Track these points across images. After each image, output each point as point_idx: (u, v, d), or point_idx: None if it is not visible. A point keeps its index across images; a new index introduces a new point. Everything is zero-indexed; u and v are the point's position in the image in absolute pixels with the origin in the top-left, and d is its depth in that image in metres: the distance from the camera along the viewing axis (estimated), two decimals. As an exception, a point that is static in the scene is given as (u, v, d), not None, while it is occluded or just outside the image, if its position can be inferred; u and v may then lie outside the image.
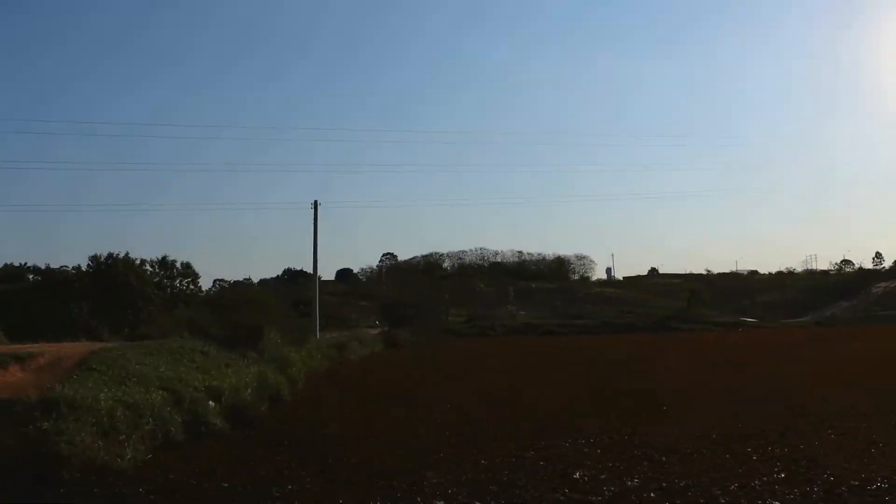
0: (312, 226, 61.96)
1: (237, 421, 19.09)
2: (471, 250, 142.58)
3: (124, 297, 50.16)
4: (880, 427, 16.29)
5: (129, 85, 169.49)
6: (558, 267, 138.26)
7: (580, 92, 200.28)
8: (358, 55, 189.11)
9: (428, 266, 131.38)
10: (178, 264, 60.58)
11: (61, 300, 46.55)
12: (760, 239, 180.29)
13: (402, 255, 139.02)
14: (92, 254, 54.07)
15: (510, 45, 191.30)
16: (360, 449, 15.51)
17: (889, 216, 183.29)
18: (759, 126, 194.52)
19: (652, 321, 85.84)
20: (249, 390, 21.67)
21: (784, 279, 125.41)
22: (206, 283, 76.69)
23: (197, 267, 62.49)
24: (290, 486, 12.45)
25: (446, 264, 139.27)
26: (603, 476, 12.63)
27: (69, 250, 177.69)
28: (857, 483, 11.70)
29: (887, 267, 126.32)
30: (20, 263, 61.80)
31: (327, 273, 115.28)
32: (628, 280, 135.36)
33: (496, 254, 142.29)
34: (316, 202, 61.95)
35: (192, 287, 62.00)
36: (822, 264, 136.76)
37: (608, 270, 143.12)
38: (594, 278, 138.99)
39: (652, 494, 11.49)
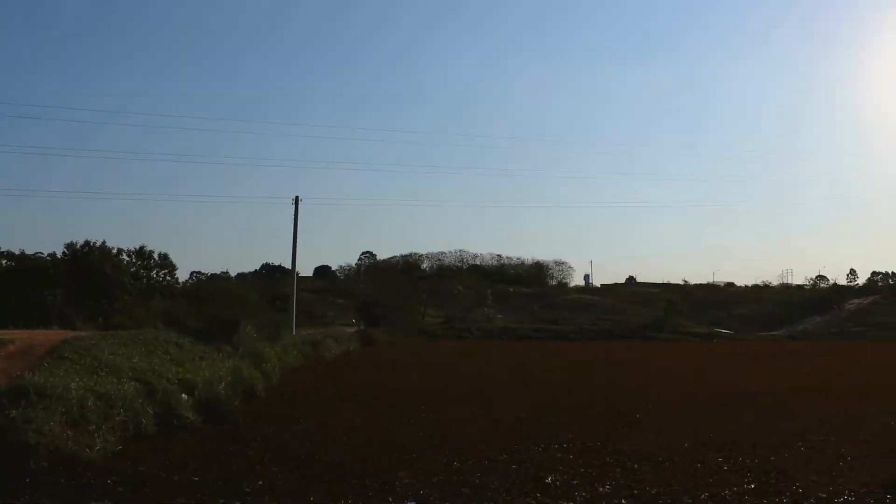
0: (293, 221, 61.75)
1: (210, 415, 18.96)
2: (450, 252, 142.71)
3: (99, 285, 49.61)
4: (850, 441, 16.43)
5: (105, 69, 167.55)
6: (537, 272, 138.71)
7: (560, 98, 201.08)
8: (337, 50, 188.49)
9: (407, 266, 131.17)
10: (155, 255, 60.02)
11: (34, 286, 45.92)
12: (738, 252, 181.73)
13: (382, 255, 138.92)
14: (68, 241, 53.49)
15: (491, 46, 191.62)
16: (333, 447, 15.45)
17: (863, 234, 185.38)
18: (738, 138, 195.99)
19: (628, 329, 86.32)
20: (223, 384, 21.54)
21: (760, 292, 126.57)
22: (183, 275, 75.96)
23: (174, 258, 61.93)
24: (260, 482, 12.37)
25: (425, 265, 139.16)
26: (575, 481, 12.64)
27: (44, 237, 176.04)
28: (824, 496, 11.80)
29: (860, 284, 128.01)
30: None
31: (305, 269, 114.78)
32: (606, 288, 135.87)
33: (475, 256, 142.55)
34: (297, 198, 61.74)
35: (168, 278, 61.42)
36: (798, 279, 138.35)
37: (586, 277, 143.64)
38: (572, 284, 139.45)
39: (623, 501, 11.52)
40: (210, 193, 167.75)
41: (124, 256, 56.91)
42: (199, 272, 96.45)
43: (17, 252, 51.51)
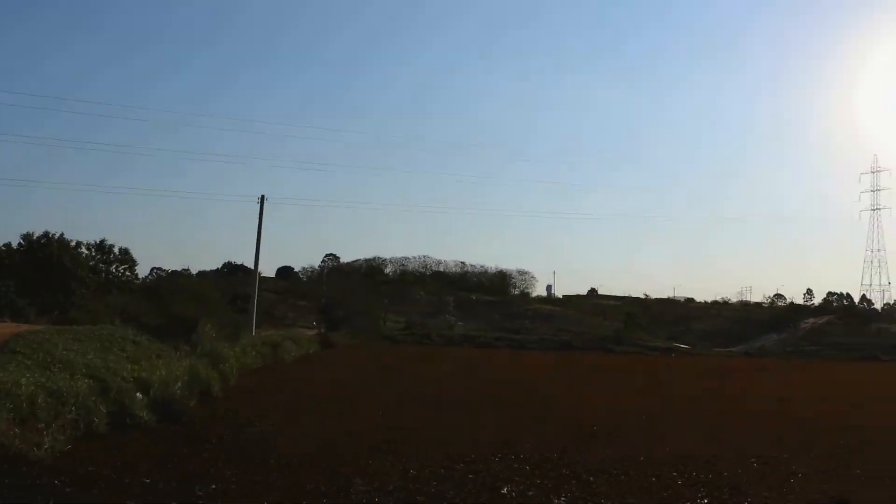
0: (257, 220, 61.25)
1: (165, 414, 18.68)
2: (414, 258, 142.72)
3: (56, 278, 48.76)
4: (802, 459, 16.63)
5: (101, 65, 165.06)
6: (500, 281, 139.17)
7: (526, 109, 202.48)
8: (325, 53, 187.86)
9: (370, 270, 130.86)
10: (116, 249, 59.20)
11: (-15, 277, 45.00)
12: (699, 268, 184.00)
13: (346, 258, 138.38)
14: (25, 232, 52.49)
15: (459, 50, 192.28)
16: (289, 450, 15.28)
17: (819, 254, 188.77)
18: (702, 155, 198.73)
19: (588, 341, 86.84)
20: (179, 384, 21.24)
21: (719, 309, 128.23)
22: (143, 271, 74.95)
23: (136, 254, 61.15)
24: (213, 486, 12.18)
25: (388, 269, 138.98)
26: (531, 493, 12.63)
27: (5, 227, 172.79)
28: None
29: (817, 303, 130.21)
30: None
31: (268, 270, 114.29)
32: (567, 299, 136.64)
33: (439, 263, 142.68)
34: (262, 197, 61.33)
35: (128, 274, 60.65)
36: (756, 297, 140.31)
37: (548, 288, 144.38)
38: (534, 295, 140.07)
39: (578, 514, 11.54)
40: (173, 188, 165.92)
41: (84, 250, 56.08)
42: (159, 268, 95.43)
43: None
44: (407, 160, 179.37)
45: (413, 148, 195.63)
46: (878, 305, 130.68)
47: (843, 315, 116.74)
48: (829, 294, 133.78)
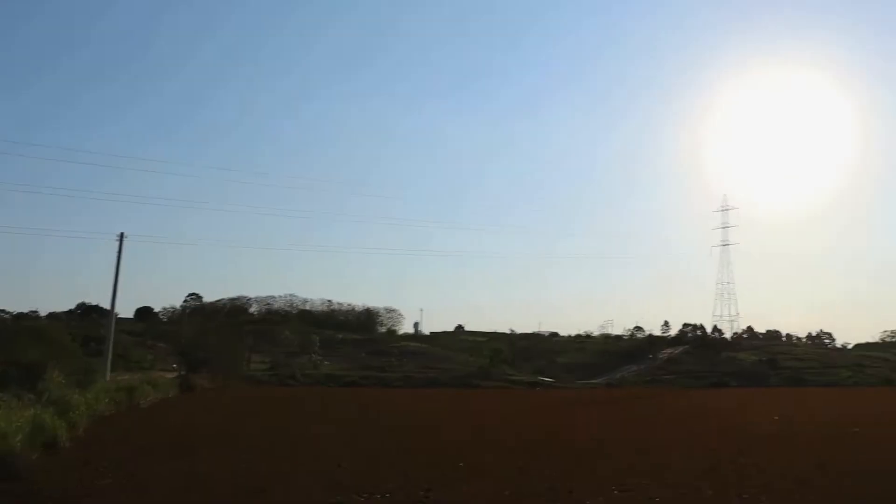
0: (115, 259, 58.47)
1: (2, 471, 17.30)
2: (280, 296, 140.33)
3: None
4: (659, 483, 17.13)
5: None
6: (367, 318, 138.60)
7: (390, 146, 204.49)
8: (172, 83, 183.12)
9: (234, 310, 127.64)
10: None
11: None
12: (563, 302, 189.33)
13: (209, 297, 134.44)
14: None
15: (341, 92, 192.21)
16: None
17: (676, 288, 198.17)
18: (563, 192, 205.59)
19: (454, 377, 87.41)
20: (20, 436, 19.77)
21: (582, 342, 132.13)
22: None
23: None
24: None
25: (253, 309, 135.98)
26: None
27: None
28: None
29: (673, 334, 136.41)
30: None
31: (126, 311, 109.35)
32: (435, 335, 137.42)
33: (306, 302, 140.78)
34: (122, 234, 58.69)
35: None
36: (618, 329, 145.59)
37: (416, 325, 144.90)
38: (402, 332, 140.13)
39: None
40: (25, 226, 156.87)
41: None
42: (3, 310, 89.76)
43: None
44: (276, 198, 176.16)
45: (279, 186, 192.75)
46: (727, 335, 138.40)
47: (696, 345, 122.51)
48: (685, 325, 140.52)
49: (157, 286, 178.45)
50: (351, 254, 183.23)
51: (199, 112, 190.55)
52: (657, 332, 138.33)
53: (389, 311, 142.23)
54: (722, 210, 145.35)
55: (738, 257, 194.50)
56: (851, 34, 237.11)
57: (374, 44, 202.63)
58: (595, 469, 19.92)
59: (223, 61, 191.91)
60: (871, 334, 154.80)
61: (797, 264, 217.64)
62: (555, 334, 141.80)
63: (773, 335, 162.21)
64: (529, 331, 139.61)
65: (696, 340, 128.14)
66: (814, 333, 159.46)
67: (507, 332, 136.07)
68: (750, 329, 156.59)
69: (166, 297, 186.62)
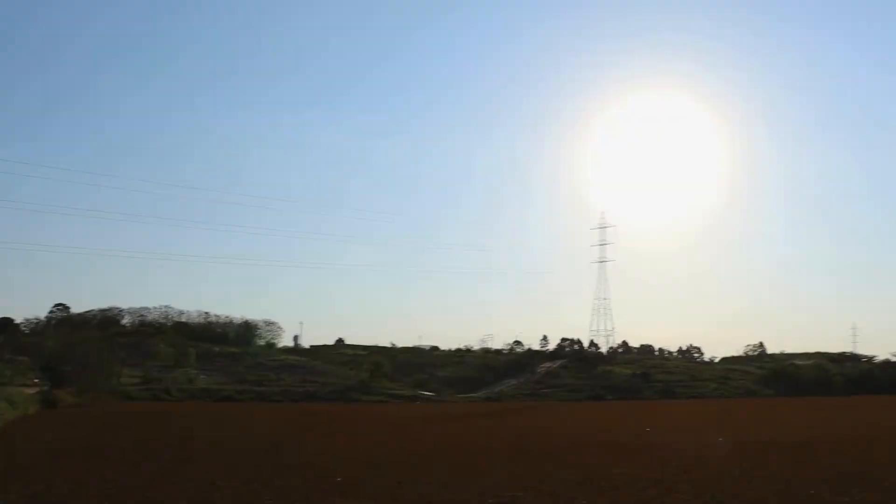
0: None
1: None
2: (155, 308, 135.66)
3: None
4: (533, 496, 17.45)
5: None
6: (245, 331, 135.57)
7: (260, 154, 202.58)
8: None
9: (104, 321, 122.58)
10: None
11: None
12: (444, 316, 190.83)
13: (78, 308, 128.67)
14: None
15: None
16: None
17: (556, 303, 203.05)
18: (450, 208, 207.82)
19: (333, 391, 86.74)
20: None
21: (462, 356, 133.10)
22: None
23: None
24: None
25: (126, 321, 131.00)
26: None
27: None
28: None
29: (551, 349, 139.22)
30: None
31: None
32: (315, 349, 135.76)
33: (181, 313, 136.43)
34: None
35: None
36: (498, 343, 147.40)
37: (295, 338, 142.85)
38: (281, 345, 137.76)
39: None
40: None
41: None
42: None
43: None
44: (152, 205, 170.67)
45: (150, 193, 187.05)
46: (603, 349, 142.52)
47: (573, 359, 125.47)
48: (563, 340, 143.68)
49: (19, 296, 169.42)
50: (224, 264, 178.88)
51: (64, 114, 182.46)
52: (536, 346, 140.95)
53: (269, 323, 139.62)
54: (600, 227, 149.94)
55: (615, 273, 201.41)
56: (724, 60, 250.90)
57: (245, 50, 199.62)
58: (476, 480, 20.10)
59: (90, 64, 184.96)
60: (735, 348, 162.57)
61: (670, 280, 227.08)
62: (435, 348, 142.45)
63: (646, 349, 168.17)
64: (410, 344, 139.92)
65: (573, 355, 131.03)
66: (684, 348, 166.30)
67: (388, 345, 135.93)
68: (625, 343, 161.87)
69: (30, 308, 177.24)
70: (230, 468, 22.98)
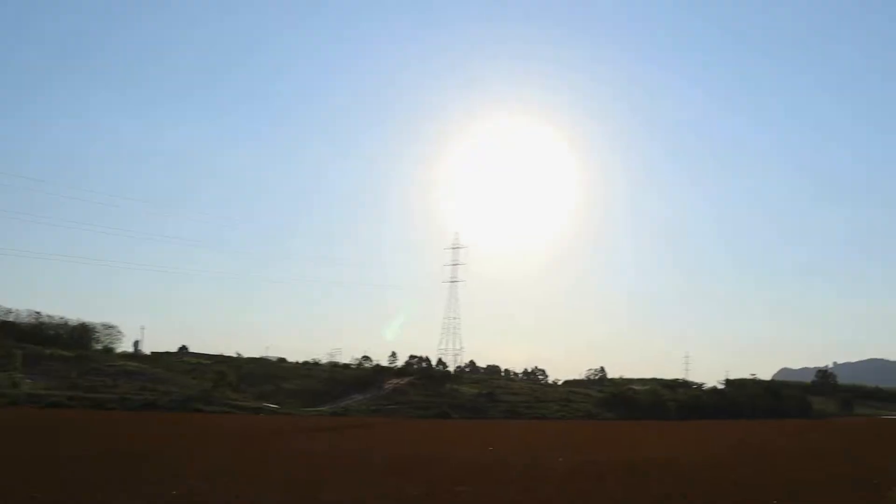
0: None
1: None
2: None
3: None
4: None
5: None
6: (81, 334, 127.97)
7: (107, 152, 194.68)
8: None
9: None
10: None
11: None
12: (292, 328, 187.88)
13: None
14: None
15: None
16: None
17: (407, 320, 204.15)
18: (306, 221, 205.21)
19: (174, 401, 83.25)
20: None
21: (310, 369, 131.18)
22: None
23: None
24: None
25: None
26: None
27: None
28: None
29: (399, 365, 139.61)
30: None
31: None
32: (156, 356, 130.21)
33: (9, 312, 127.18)
34: None
35: None
36: (346, 358, 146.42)
37: (136, 343, 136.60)
38: (120, 350, 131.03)
39: None
40: None
41: None
42: None
43: None
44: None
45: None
46: (451, 368, 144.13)
47: (420, 376, 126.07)
48: (411, 357, 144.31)
49: None
50: (58, 262, 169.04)
51: None
52: (385, 362, 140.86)
53: (108, 327, 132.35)
54: (453, 248, 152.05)
55: (466, 293, 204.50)
56: (584, 92, 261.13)
57: (95, 49, 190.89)
58: (316, 497, 19.50)
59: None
60: (578, 372, 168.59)
61: (519, 303, 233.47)
62: (283, 360, 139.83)
63: (493, 370, 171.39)
64: (257, 355, 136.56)
65: (421, 372, 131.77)
66: (529, 369, 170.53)
67: (234, 355, 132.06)
68: (472, 363, 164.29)
69: None
70: (52, 482, 21.32)
